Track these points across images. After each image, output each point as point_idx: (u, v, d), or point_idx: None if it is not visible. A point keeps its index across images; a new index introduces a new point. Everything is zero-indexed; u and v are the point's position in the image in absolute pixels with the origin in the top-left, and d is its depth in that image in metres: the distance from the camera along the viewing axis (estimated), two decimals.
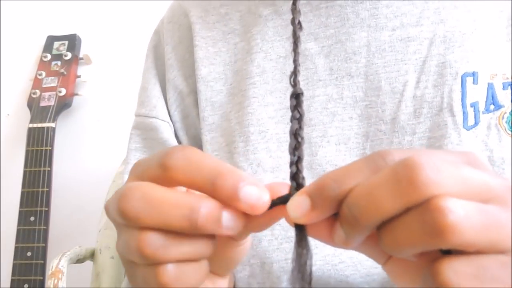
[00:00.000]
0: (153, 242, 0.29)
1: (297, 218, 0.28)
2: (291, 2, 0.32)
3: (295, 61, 0.30)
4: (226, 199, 0.29)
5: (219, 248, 0.32)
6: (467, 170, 0.26)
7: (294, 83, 0.30)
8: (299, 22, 0.30)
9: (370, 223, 0.27)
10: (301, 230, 0.29)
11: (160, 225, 0.29)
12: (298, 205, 0.28)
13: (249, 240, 0.34)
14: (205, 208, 0.29)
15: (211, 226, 0.29)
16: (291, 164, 0.30)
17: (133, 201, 0.29)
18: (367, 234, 0.28)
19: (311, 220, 0.28)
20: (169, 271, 0.29)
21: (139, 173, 0.31)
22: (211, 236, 0.31)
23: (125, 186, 0.30)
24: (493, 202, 0.26)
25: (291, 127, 0.30)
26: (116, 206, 0.29)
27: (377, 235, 0.27)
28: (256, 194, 0.28)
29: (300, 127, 0.30)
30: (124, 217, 0.29)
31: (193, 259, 0.30)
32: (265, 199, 0.29)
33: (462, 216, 0.24)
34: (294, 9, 0.31)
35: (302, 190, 0.28)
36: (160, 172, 0.30)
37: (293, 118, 0.30)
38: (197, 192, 0.30)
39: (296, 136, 0.30)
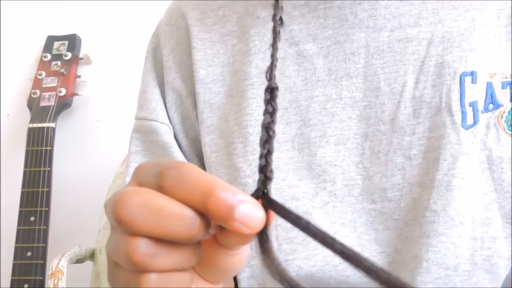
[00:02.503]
0: (144, 250, 0.28)
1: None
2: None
3: (272, 55, 0.31)
4: (221, 221, 0.28)
5: (212, 258, 0.32)
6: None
7: (270, 78, 0.31)
8: (281, 18, 0.31)
9: None
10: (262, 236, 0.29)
11: (157, 233, 0.28)
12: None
13: (246, 250, 0.34)
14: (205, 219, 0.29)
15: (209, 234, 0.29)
16: (261, 156, 0.30)
17: (130, 207, 0.28)
18: None
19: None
20: (153, 280, 0.29)
21: (140, 180, 0.31)
22: (197, 245, 0.31)
23: (124, 190, 0.30)
24: None
25: (263, 120, 0.30)
26: (111, 210, 0.29)
27: None
28: (251, 212, 0.28)
29: (273, 121, 0.30)
30: (118, 222, 0.29)
31: (179, 269, 0.30)
32: (261, 216, 0.28)
33: None
34: (276, 5, 0.31)
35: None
36: (156, 189, 0.30)
37: (266, 112, 0.30)
38: None
39: (267, 130, 0.30)
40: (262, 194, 0.29)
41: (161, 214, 0.28)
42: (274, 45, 0.31)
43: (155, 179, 0.29)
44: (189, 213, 0.28)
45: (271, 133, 0.30)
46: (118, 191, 0.30)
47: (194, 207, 0.28)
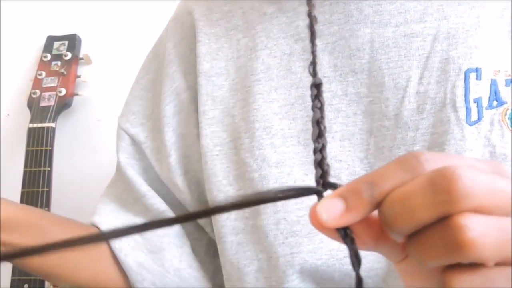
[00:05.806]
0: None
1: (329, 221, 0.27)
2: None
3: (313, 52, 0.31)
4: None
5: None
6: (499, 181, 0.26)
7: (314, 73, 0.31)
8: (314, 16, 0.31)
9: (402, 230, 0.27)
10: (346, 234, 0.28)
11: None
12: (331, 207, 0.27)
13: None
14: None
15: None
16: (315, 151, 0.30)
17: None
18: (400, 238, 0.28)
19: (343, 223, 0.27)
20: None
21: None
22: None
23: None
24: None
25: (313, 116, 0.30)
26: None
27: (407, 242, 0.27)
28: None
29: (322, 116, 0.30)
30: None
31: None
32: None
33: (480, 233, 0.25)
34: (309, 2, 0.31)
35: (334, 192, 0.28)
36: None
37: (314, 107, 0.31)
38: None
39: (318, 125, 0.30)
40: (322, 187, 0.30)
41: None
42: (313, 41, 0.31)
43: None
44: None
45: (322, 127, 0.30)
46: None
47: None
